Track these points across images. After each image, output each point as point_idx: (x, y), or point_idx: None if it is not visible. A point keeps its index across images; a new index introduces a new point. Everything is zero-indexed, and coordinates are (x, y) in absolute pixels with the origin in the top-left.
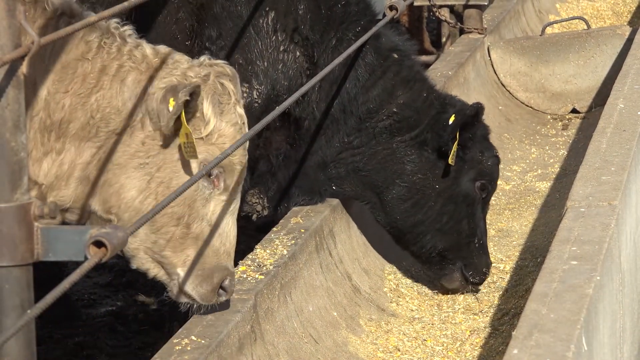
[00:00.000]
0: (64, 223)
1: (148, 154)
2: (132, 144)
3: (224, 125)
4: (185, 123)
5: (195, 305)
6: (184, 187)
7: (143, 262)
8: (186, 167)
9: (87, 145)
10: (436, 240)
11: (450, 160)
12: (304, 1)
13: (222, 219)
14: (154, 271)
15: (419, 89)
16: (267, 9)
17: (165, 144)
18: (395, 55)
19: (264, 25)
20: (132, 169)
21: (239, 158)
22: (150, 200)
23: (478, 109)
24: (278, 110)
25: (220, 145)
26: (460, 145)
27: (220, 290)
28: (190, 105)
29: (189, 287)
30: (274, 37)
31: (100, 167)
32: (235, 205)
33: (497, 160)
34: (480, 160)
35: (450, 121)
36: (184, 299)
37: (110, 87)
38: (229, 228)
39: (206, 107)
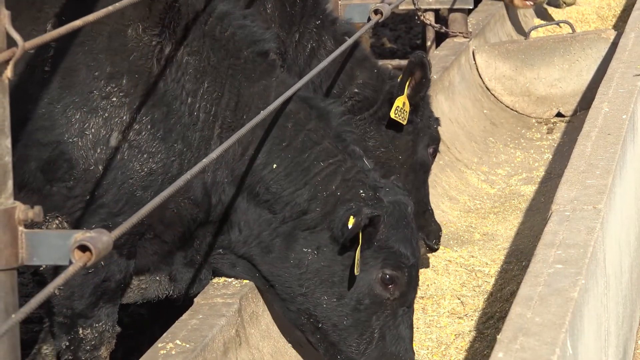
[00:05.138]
0: None
1: None
2: None
3: None
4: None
5: None
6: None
7: None
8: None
9: None
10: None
11: (356, 271)
12: (270, 0)
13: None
14: None
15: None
16: None
17: None
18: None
19: None
20: None
21: None
22: None
23: (374, 218)
24: (274, 105)
25: None
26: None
27: None
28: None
29: None
30: None
31: None
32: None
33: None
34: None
35: (350, 225)
36: None
37: None
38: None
39: None
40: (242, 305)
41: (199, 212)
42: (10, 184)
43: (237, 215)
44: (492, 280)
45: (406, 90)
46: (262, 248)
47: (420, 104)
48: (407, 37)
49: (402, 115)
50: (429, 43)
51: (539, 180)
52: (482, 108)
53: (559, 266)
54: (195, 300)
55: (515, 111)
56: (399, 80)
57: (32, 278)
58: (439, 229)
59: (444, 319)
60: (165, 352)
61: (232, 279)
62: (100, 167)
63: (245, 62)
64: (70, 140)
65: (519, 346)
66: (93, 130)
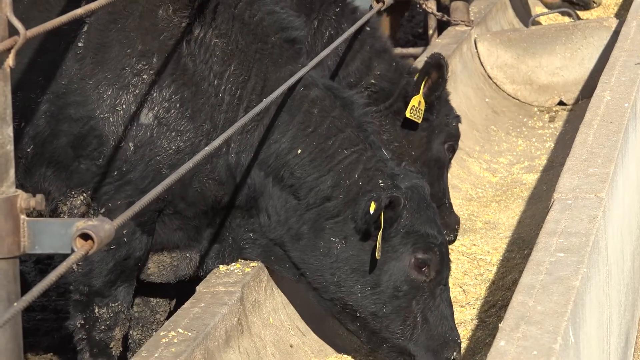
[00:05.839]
0: None
1: None
2: None
3: None
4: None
5: None
6: (178, 173)
7: None
8: None
9: None
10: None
11: (378, 255)
12: None
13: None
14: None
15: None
16: None
17: None
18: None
19: None
20: None
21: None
22: None
23: (393, 199)
24: (279, 91)
25: None
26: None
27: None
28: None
29: None
30: None
31: None
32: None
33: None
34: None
35: (371, 211)
36: None
37: None
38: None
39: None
40: (244, 293)
41: (225, 194)
42: (12, 172)
43: (265, 199)
44: (494, 269)
45: (422, 89)
46: (292, 235)
47: (435, 102)
48: (409, 26)
49: (418, 114)
50: (430, 31)
51: (540, 168)
52: (484, 96)
53: (561, 254)
54: (197, 288)
55: (517, 99)
56: (415, 79)
57: (34, 266)
58: (456, 222)
59: None
60: (167, 340)
61: (234, 267)
62: (130, 144)
63: (273, 47)
64: (102, 116)
65: (521, 334)
66: (124, 106)
